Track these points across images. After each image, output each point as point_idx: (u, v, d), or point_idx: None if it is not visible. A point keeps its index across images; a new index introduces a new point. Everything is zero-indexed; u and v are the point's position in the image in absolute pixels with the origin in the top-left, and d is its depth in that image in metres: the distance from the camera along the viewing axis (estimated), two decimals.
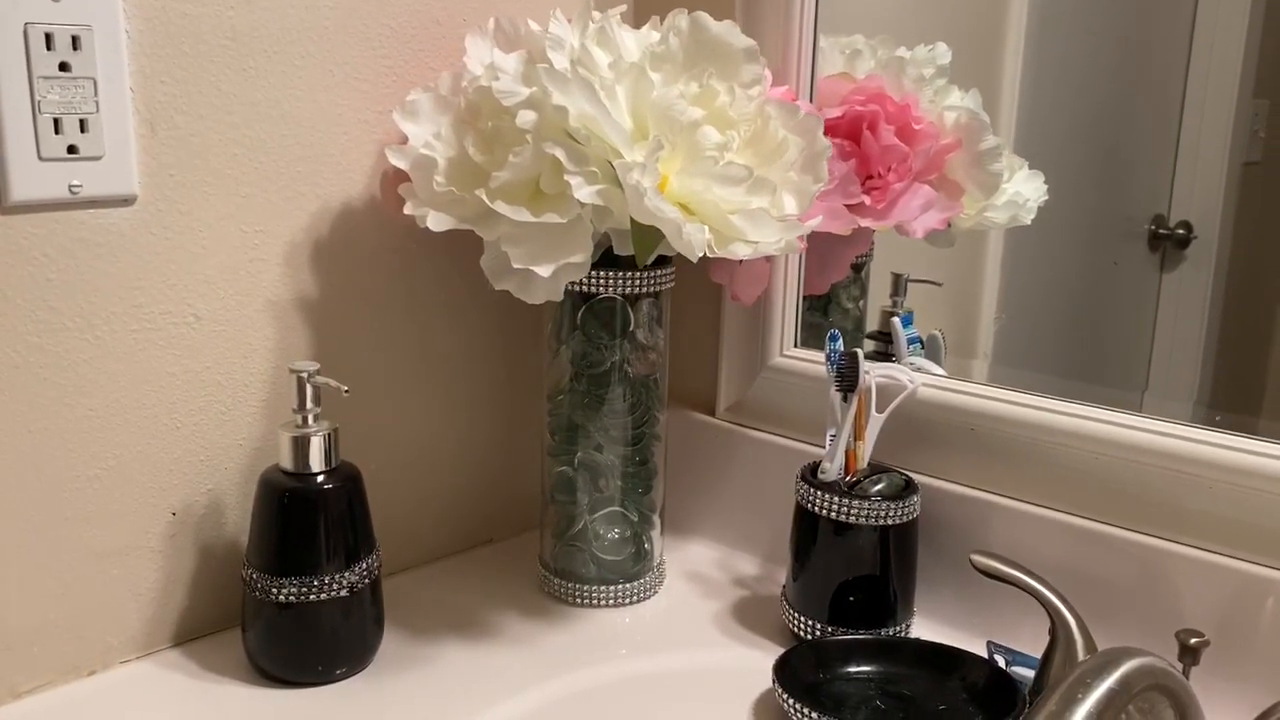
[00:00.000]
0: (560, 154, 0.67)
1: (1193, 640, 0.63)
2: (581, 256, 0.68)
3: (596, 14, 0.72)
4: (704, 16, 0.71)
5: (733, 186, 0.68)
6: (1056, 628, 0.67)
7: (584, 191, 0.67)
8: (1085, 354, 0.89)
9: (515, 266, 0.68)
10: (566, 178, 0.67)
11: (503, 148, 0.70)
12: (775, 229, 0.68)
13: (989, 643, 0.75)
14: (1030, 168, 0.86)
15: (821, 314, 0.94)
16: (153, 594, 0.74)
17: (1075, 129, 0.88)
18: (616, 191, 0.68)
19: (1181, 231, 0.84)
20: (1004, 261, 0.92)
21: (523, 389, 0.94)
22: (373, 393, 0.83)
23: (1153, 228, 0.86)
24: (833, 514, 0.75)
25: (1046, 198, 0.86)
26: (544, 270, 0.68)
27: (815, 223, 0.71)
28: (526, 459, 0.95)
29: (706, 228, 0.67)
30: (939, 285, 0.97)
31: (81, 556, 0.71)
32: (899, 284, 0.95)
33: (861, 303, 0.96)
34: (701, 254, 0.67)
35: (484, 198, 0.68)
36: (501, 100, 0.69)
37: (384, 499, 0.75)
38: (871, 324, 0.94)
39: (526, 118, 0.68)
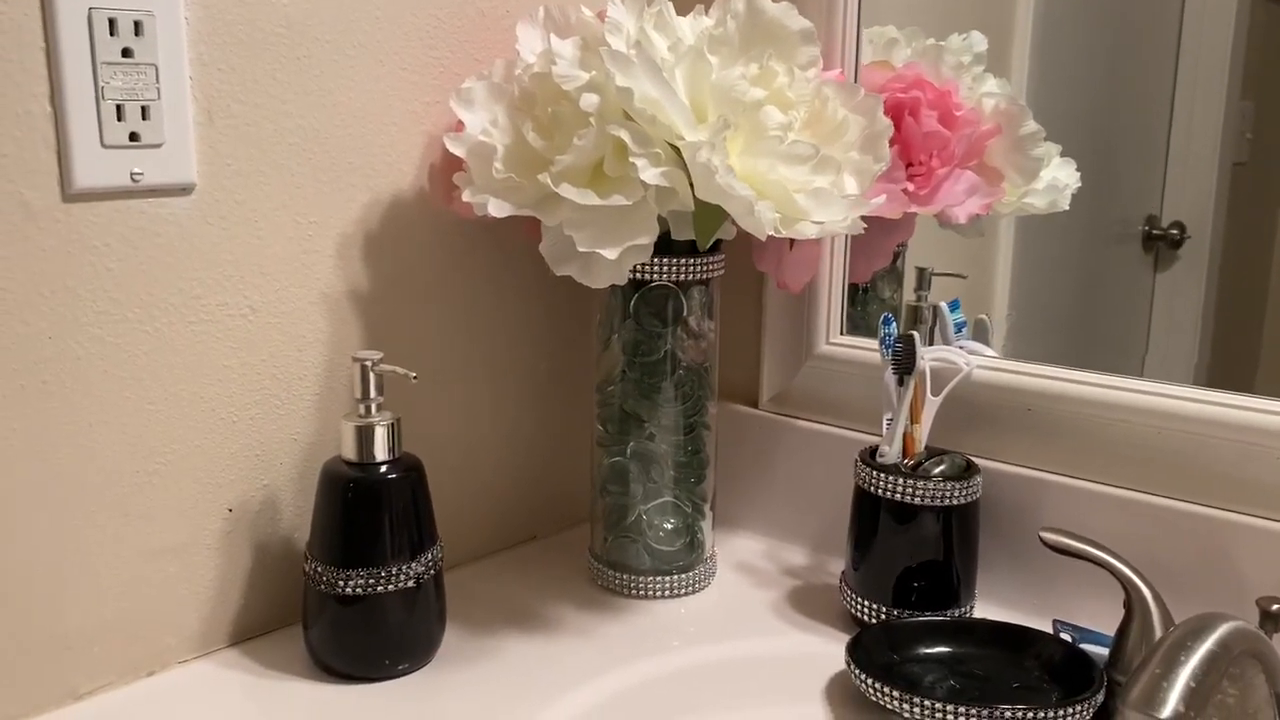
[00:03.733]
0: (625, 136, 0.67)
1: (1274, 606, 0.62)
2: (647, 238, 0.68)
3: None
4: None
5: (798, 165, 0.68)
6: (1133, 601, 0.67)
7: (650, 173, 0.67)
8: (1082, 349, 0.90)
9: (581, 250, 0.68)
10: (632, 159, 0.66)
11: (563, 133, 0.70)
12: (841, 207, 0.68)
13: (1055, 621, 0.74)
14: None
15: (859, 306, 0.94)
16: (210, 592, 0.73)
17: (1072, 131, 0.89)
18: (680, 173, 0.68)
19: (1175, 232, 0.85)
20: (1014, 259, 0.93)
21: (567, 382, 0.93)
22: (421, 386, 0.81)
23: (1146, 228, 0.87)
24: (895, 495, 0.75)
25: (1080, 184, 0.87)
26: (610, 253, 0.67)
27: (880, 201, 0.71)
28: (570, 454, 0.94)
29: (773, 206, 0.67)
30: (964, 278, 0.97)
31: (139, 554, 0.69)
32: (923, 278, 0.95)
33: (898, 294, 0.96)
34: (770, 232, 0.67)
35: (548, 182, 0.68)
36: (562, 84, 0.69)
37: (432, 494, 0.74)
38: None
39: (590, 100, 0.68)
